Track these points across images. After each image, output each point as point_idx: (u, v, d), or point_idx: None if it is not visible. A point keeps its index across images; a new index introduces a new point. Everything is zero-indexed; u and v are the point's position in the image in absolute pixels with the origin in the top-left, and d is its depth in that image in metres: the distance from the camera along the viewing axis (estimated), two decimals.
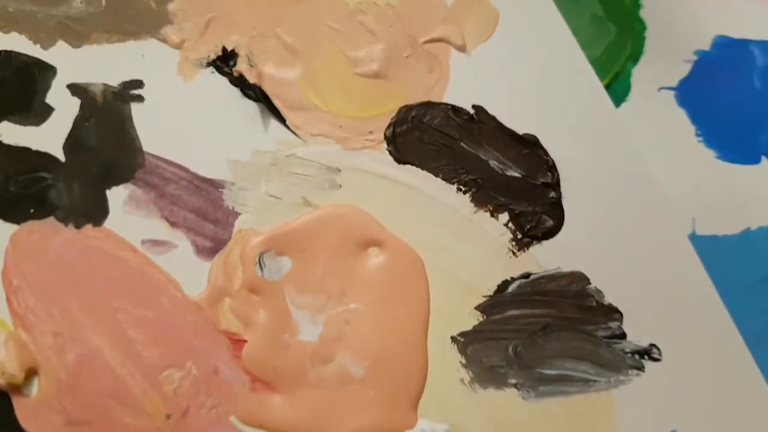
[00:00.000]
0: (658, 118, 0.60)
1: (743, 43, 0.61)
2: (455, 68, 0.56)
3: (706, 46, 0.62)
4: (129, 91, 0.54)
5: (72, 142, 0.52)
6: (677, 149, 0.59)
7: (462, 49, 0.56)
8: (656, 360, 0.51)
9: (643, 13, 0.62)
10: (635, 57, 0.62)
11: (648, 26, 0.63)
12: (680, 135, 0.60)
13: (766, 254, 0.55)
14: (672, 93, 0.61)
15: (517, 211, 0.53)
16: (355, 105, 0.55)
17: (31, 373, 0.47)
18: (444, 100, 0.55)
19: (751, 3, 0.63)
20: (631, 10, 0.63)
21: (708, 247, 0.55)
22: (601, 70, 0.60)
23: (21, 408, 0.47)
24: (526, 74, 0.56)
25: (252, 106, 0.54)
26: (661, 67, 0.61)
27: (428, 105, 0.55)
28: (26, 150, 0.52)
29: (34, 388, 0.48)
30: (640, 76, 0.61)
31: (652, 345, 0.51)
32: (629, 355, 0.51)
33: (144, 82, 0.54)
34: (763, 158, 0.58)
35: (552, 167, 0.54)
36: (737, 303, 0.54)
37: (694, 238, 0.55)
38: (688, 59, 0.62)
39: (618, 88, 0.61)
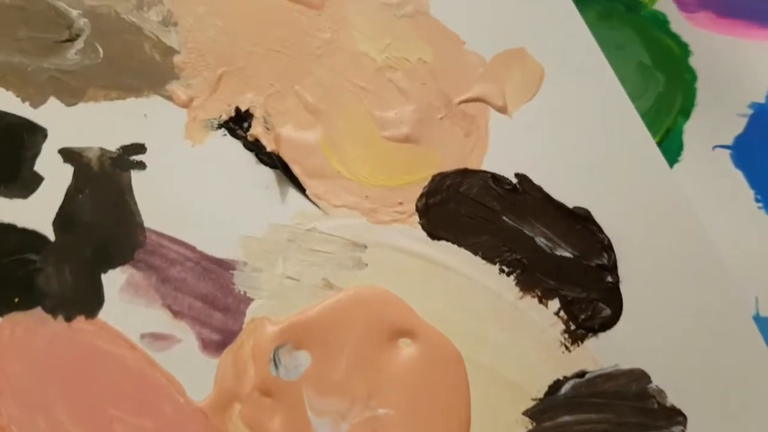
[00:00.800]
0: (714, 182, 0.48)
1: None
2: (495, 131, 0.43)
3: (761, 97, 0.50)
4: (129, 156, 0.42)
5: (63, 218, 0.40)
6: (736, 217, 0.47)
7: (503, 110, 0.44)
8: None
9: (693, 61, 0.50)
10: (686, 111, 0.50)
11: (698, 75, 0.50)
12: (738, 201, 0.47)
13: None
14: (727, 152, 0.49)
15: (569, 298, 0.41)
16: (384, 172, 0.42)
17: None
18: (483, 168, 0.43)
19: None
20: (679, 57, 0.51)
21: None
22: (651, 126, 0.48)
23: None
24: (574, 138, 0.43)
25: (268, 174, 0.42)
26: (714, 122, 0.49)
27: (465, 173, 0.42)
28: (11, 227, 0.40)
29: None
30: (692, 132, 0.49)
31: None
32: None
33: (146, 146, 0.42)
34: None
35: (608, 247, 0.41)
36: None
37: (758, 320, 0.43)
38: (743, 113, 0.49)
39: (670, 147, 0.49)
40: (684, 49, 0.50)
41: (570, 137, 0.43)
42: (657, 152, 0.43)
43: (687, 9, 0.51)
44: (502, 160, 0.42)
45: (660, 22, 0.51)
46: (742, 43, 0.50)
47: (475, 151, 0.43)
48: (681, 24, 0.51)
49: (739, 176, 0.48)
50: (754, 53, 0.49)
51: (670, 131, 0.48)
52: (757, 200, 0.46)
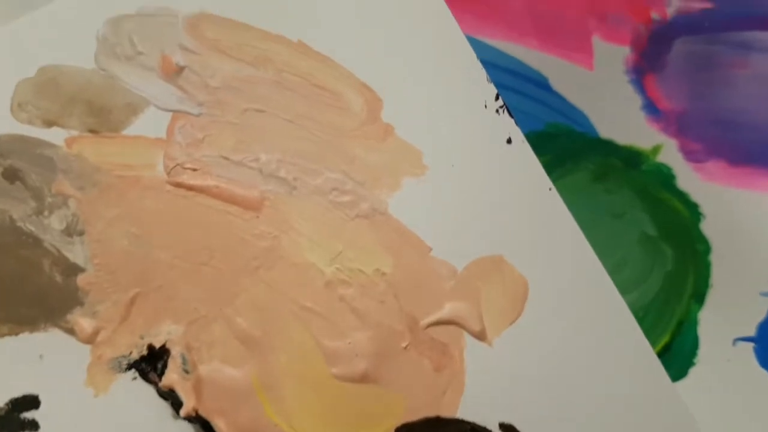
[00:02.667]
0: (738, 387, 0.30)
1: None
2: (473, 364, 0.25)
3: None
4: (19, 414, 0.25)
5: None
6: None
7: (481, 336, 0.26)
8: None
9: (705, 227, 0.32)
10: (700, 293, 0.31)
11: (712, 245, 0.32)
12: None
13: None
14: (750, 345, 0.30)
15: None
16: (333, 425, 0.24)
17: None
18: (459, 415, 0.25)
19: None
20: (689, 223, 0.32)
21: None
22: (660, 319, 0.30)
23: None
24: (568, 369, 0.25)
25: None
26: (733, 307, 0.31)
27: (437, 424, 0.25)
28: None
29: None
30: (708, 322, 0.31)
31: None
32: None
33: (40, 398, 0.24)
34: None
35: None
36: None
37: None
38: (767, 291, 0.31)
39: (684, 345, 0.30)
40: (694, 212, 0.32)
41: (564, 369, 0.24)
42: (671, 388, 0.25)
43: (694, 158, 0.32)
44: (482, 404, 0.24)
45: (665, 177, 0.32)
46: (760, 198, 0.32)
47: (449, 392, 0.24)
48: (689, 178, 0.32)
49: (765, 378, 0.29)
50: None
51: (682, 324, 0.30)
52: None
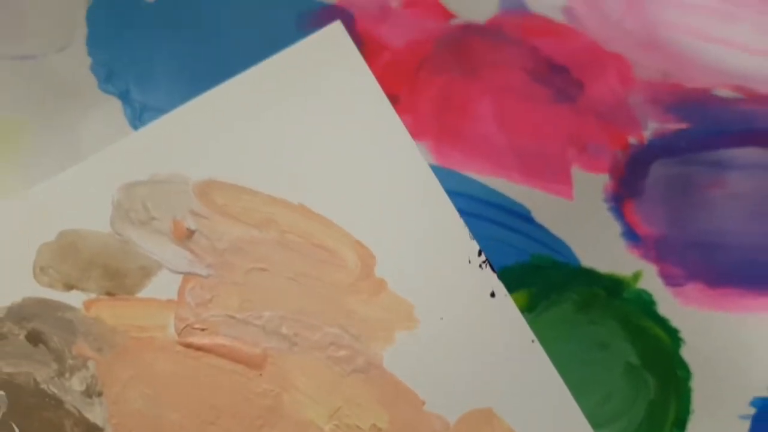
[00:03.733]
0: None
1: None
2: None
3: (763, 390, 0.31)
4: None
5: None
6: None
7: None
8: None
9: (685, 352, 0.31)
10: (681, 420, 0.31)
11: (692, 371, 0.31)
12: None
13: None
14: None
15: None
16: None
17: None
18: None
19: None
20: (670, 350, 0.32)
21: None
22: None
23: None
24: None
25: None
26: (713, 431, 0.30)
27: None
28: None
29: None
30: None
31: None
32: None
33: None
34: None
35: None
36: None
37: None
38: (745, 413, 0.30)
39: None
40: (674, 338, 0.31)
41: None
42: None
43: (674, 282, 0.32)
44: None
45: (645, 304, 0.32)
46: (736, 320, 0.31)
47: None
48: (669, 303, 0.32)
49: None
50: (752, 330, 0.31)
51: None
52: None
